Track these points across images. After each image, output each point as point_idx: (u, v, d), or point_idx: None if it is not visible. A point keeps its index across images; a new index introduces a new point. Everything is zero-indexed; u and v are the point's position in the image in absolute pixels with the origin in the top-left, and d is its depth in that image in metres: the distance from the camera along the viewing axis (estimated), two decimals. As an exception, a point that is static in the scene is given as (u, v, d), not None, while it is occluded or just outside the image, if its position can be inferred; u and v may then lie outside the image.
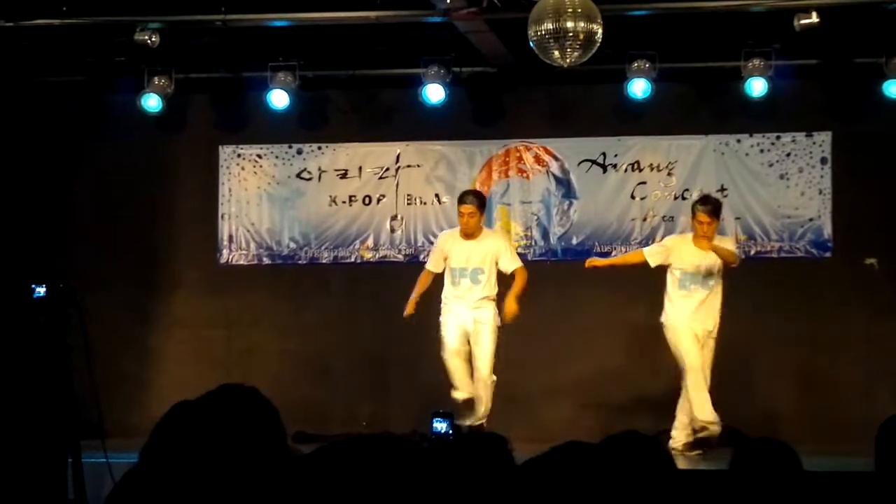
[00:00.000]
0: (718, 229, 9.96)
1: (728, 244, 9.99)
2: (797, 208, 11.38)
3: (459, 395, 10.13)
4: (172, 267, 12.00)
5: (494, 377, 10.19)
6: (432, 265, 10.37)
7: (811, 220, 11.35)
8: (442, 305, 10.23)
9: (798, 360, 11.21)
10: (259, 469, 3.19)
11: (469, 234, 10.21)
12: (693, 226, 9.94)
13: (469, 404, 10.07)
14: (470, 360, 10.17)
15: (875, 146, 11.26)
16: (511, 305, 10.08)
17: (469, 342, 10.18)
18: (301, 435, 9.93)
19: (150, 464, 3.64)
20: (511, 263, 10.21)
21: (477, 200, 10.26)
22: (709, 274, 9.87)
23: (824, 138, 11.35)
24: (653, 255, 10.02)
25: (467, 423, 9.96)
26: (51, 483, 6.84)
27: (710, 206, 9.87)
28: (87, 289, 11.40)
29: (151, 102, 11.41)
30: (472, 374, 10.16)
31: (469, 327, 10.17)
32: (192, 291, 11.97)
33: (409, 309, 10.23)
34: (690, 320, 9.83)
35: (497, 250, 10.22)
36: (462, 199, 10.29)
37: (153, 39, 10.05)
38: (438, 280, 10.31)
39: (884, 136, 11.23)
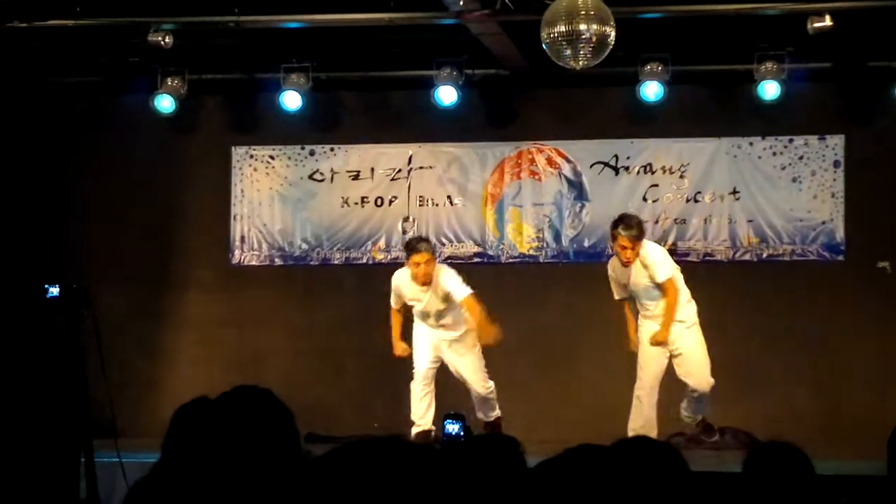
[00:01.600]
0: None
1: (659, 275, 9.82)
2: (809, 211, 11.36)
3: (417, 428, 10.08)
4: (184, 267, 12.03)
5: (491, 383, 10.19)
6: (394, 304, 10.19)
7: (823, 223, 11.33)
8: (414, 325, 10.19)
9: (810, 363, 11.20)
10: (274, 470, 3.20)
11: (425, 283, 9.93)
12: (614, 249, 9.94)
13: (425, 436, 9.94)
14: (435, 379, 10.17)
15: (888, 149, 11.25)
16: (483, 335, 9.84)
17: (441, 359, 10.15)
18: (313, 436, 9.91)
19: (169, 462, 3.66)
20: (459, 294, 9.83)
21: (430, 246, 10.11)
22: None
23: (837, 141, 11.34)
24: (616, 293, 10.05)
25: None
26: (63, 482, 6.87)
27: (634, 229, 9.80)
28: (99, 289, 11.47)
29: (164, 103, 11.43)
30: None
31: (444, 350, 10.12)
32: (204, 292, 11.99)
33: (398, 351, 10.16)
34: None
35: (446, 288, 9.89)
36: (415, 248, 9.92)
37: (167, 40, 10.07)
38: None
39: (897, 139, 11.22)
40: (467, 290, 9.79)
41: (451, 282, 9.83)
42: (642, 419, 9.88)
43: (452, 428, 5.24)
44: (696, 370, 9.86)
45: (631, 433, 9.43)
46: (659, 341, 9.76)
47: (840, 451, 9.28)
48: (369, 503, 2.17)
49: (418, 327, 10.18)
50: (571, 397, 11.40)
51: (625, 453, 3.57)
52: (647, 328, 9.95)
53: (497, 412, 10.19)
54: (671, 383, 10.06)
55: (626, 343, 10.06)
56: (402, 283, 10.05)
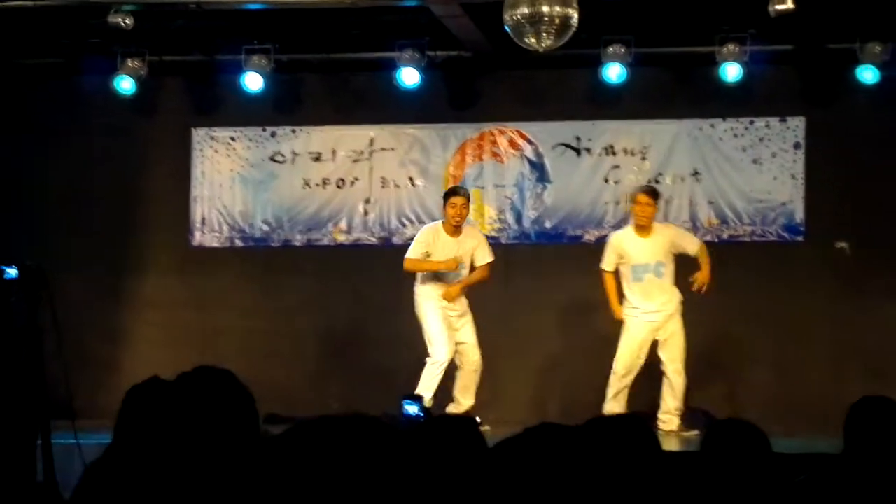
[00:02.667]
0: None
1: (692, 243, 10.18)
2: (770, 192, 11.41)
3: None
4: (144, 249, 11.97)
5: None
6: (418, 255, 10.23)
7: (784, 204, 11.39)
8: (425, 298, 10.20)
9: (769, 342, 11.26)
10: (233, 450, 3.19)
11: (456, 228, 10.16)
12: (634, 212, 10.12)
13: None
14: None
15: (848, 131, 11.31)
16: (455, 289, 10.11)
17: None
18: (273, 417, 9.88)
19: (124, 443, 3.64)
20: (485, 258, 10.26)
21: (468, 194, 10.38)
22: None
23: (798, 123, 11.39)
24: (610, 264, 10.14)
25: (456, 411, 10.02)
26: (20, 464, 6.82)
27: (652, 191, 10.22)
28: (58, 270, 11.38)
29: (125, 84, 11.36)
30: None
31: (453, 320, 10.19)
32: (164, 273, 11.94)
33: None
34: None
35: (476, 246, 10.25)
36: (455, 191, 10.31)
37: (127, 21, 9.98)
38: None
39: (857, 121, 11.28)
40: (491, 258, 10.26)
41: (483, 242, 10.30)
42: (619, 406, 9.96)
43: (411, 409, 5.23)
44: (680, 356, 10.00)
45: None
46: (703, 281, 9.99)
47: (798, 429, 9.35)
48: (329, 481, 2.16)
49: (433, 306, 10.14)
50: (533, 377, 11.43)
51: (588, 432, 3.57)
52: (636, 319, 10.00)
53: (474, 399, 10.23)
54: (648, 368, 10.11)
55: (613, 312, 10.10)
56: (432, 231, 10.25)
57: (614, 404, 9.99)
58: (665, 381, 10.10)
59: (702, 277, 10.06)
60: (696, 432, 9.62)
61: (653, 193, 10.21)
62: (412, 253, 10.21)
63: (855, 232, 11.26)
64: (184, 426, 3.23)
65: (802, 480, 4.08)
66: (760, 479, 3.72)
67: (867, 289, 11.19)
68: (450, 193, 10.33)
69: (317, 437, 2.21)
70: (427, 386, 9.99)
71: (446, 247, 10.14)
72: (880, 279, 11.16)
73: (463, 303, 10.25)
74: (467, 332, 10.23)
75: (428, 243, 10.19)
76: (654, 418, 9.93)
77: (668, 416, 10.06)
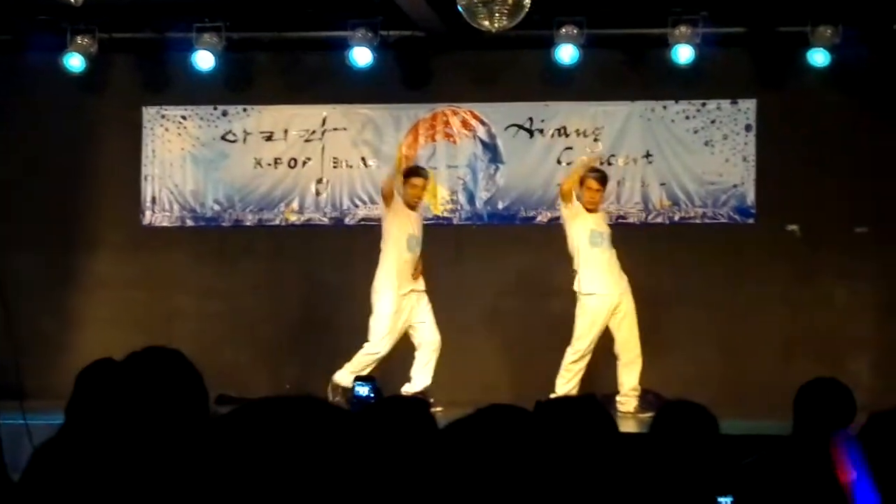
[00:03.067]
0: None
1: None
2: (721, 175, 11.46)
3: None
4: (95, 228, 11.88)
5: None
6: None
7: (735, 186, 11.44)
8: (384, 287, 10.21)
9: (719, 324, 11.33)
10: (181, 430, 3.17)
11: (414, 206, 10.32)
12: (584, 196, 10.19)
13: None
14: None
15: (798, 114, 11.37)
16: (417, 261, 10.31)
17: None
18: (224, 398, 9.84)
19: (74, 423, 3.62)
20: None
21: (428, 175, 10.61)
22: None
23: (749, 105, 11.43)
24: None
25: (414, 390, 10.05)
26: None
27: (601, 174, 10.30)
28: (7, 249, 11.33)
29: (74, 62, 11.25)
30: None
31: (414, 300, 10.24)
32: (115, 253, 11.86)
33: None
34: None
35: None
36: (418, 172, 10.46)
37: (76, -2, 9.88)
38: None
39: (807, 103, 11.34)
40: None
41: None
42: (570, 386, 9.99)
43: (363, 390, 5.24)
44: (635, 337, 10.12)
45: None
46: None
47: (748, 411, 9.41)
48: (276, 461, 2.15)
49: (390, 298, 10.15)
50: (486, 358, 11.44)
51: (542, 413, 3.57)
52: (594, 300, 10.04)
53: (430, 379, 10.25)
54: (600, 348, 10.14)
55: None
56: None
57: (568, 389, 10.02)
58: (621, 363, 10.15)
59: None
60: (652, 414, 9.66)
61: (603, 181, 10.25)
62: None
63: (805, 214, 11.33)
64: (132, 407, 3.21)
65: (751, 462, 4.10)
66: (708, 460, 3.74)
67: (817, 271, 11.28)
68: (412, 173, 10.41)
69: (260, 418, 2.19)
70: (354, 368, 10.07)
71: (409, 218, 10.25)
72: (830, 261, 11.25)
73: (421, 283, 10.29)
74: (426, 311, 10.27)
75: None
76: (612, 400, 9.98)
77: (626, 397, 10.11)
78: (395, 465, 3.23)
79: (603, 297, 10.07)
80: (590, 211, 10.16)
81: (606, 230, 10.20)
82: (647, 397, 10.08)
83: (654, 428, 4.03)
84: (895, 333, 11.08)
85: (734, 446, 4.10)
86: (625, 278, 10.16)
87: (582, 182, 10.24)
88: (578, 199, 10.24)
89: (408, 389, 10.01)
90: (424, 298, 10.30)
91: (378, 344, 10.14)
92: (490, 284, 11.49)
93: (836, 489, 3.91)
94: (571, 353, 10.10)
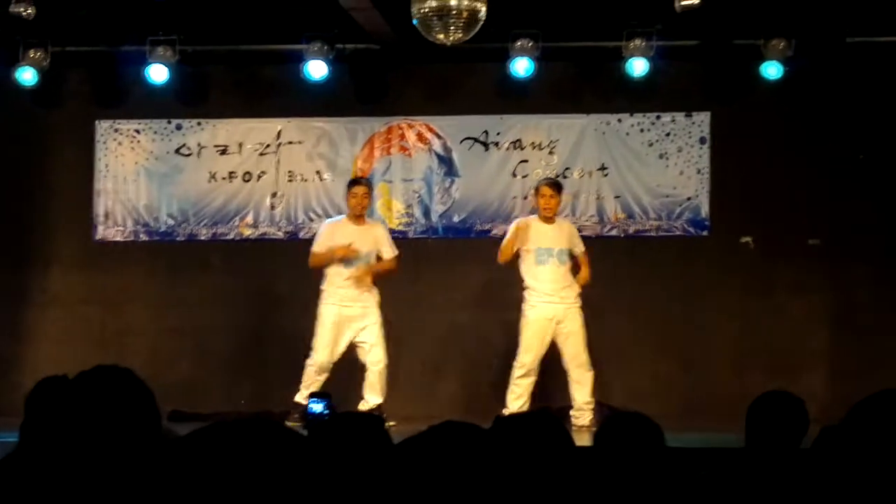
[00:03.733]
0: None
1: (580, 246, 10.30)
2: (675, 187, 11.51)
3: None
4: (47, 243, 11.78)
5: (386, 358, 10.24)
6: (318, 249, 10.32)
7: (689, 199, 11.49)
8: (326, 302, 10.20)
9: (674, 337, 11.36)
10: (132, 451, 3.14)
11: (359, 218, 10.27)
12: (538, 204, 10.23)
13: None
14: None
15: (752, 127, 11.43)
16: (362, 270, 10.13)
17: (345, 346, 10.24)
18: (177, 413, 9.79)
19: (28, 442, 3.59)
20: (391, 251, 10.34)
21: (369, 184, 10.52)
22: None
23: (703, 118, 11.49)
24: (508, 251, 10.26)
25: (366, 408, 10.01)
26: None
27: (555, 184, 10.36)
28: (-42, 265, 11.21)
29: (26, 76, 11.18)
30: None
31: (350, 327, 10.18)
32: (67, 268, 11.76)
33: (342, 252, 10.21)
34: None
35: (379, 237, 10.34)
36: (356, 181, 10.49)
37: (29, 11, 9.80)
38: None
39: (761, 116, 11.41)
40: (396, 251, 10.33)
41: (386, 234, 10.42)
42: (521, 401, 10.01)
43: (317, 406, 5.22)
44: (584, 351, 10.07)
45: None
46: (585, 278, 10.16)
47: (703, 424, 9.45)
48: (229, 486, 2.13)
49: (330, 312, 10.15)
50: (442, 373, 11.42)
51: (498, 429, 3.56)
52: (538, 309, 10.04)
53: (382, 397, 10.19)
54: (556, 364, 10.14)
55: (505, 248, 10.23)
56: (334, 224, 10.40)
57: (519, 405, 10.02)
58: (571, 378, 10.15)
59: (584, 275, 10.16)
60: None
61: (556, 186, 10.33)
62: (315, 247, 10.31)
63: (759, 227, 11.39)
64: (81, 427, 3.18)
65: (704, 475, 4.11)
66: (654, 471, 3.73)
67: (771, 284, 11.34)
68: (351, 183, 10.51)
69: (218, 441, 2.18)
70: (305, 384, 10.15)
71: (349, 237, 10.16)
72: (784, 274, 11.31)
73: (369, 300, 10.20)
74: (369, 332, 10.19)
75: (330, 235, 10.24)
76: (566, 415, 9.98)
77: (580, 411, 10.11)
78: (349, 482, 3.21)
79: (544, 310, 10.07)
80: (547, 220, 10.13)
81: (558, 246, 10.16)
82: (603, 410, 10.08)
83: (597, 440, 4.03)
84: (848, 345, 11.15)
85: (689, 459, 4.11)
86: (575, 291, 10.12)
87: (536, 191, 10.29)
88: (534, 211, 10.27)
89: (361, 407, 9.98)
90: (373, 317, 10.18)
91: (314, 355, 10.18)
92: (446, 298, 11.48)
93: (786, 502, 3.93)
94: (518, 368, 10.12)
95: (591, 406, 10.12)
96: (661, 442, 3.87)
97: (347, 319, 10.18)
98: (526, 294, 10.15)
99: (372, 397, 10.18)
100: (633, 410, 4.23)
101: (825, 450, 4.02)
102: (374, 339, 10.18)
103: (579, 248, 10.30)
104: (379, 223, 10.77)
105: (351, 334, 10.20)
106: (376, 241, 10.29)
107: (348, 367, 10.26)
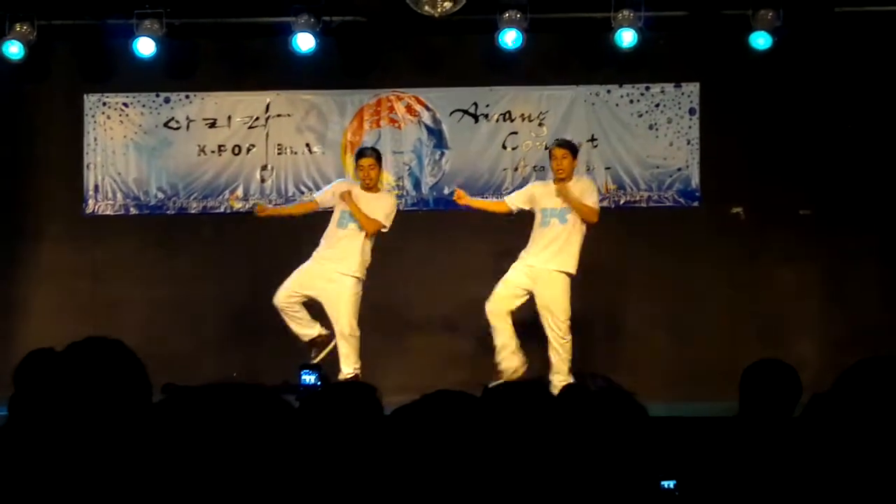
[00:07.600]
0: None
1: (588, 199, 10.02)
2: (666, 158, 11.50)
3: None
4: (37, 218, 11.76)
5: (358, 330, 10.18)
6: (317, 196, 10.52)
7: (679, 169, 11.49)
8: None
9: (666, 307, 11.37)
10: (123, 421, 3.13)
11: (370, 189, 10.25)
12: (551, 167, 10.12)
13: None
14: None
15: (741, 97, 11.43)
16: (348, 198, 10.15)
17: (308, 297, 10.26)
18: (170, 387, 9.75)
19: (17, 416, 3.58)
20: (378, 216, 10.25)
21: (376, 154, 10.41)
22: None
23: (692, 89, 11.48)
24: (514, 199, 10.19)
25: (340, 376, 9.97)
26: None
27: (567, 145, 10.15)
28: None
29: (13, 49, 11.12)
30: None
31: (320, 286, 10.18)
32: (58, 242, 11.75)
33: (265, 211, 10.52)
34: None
35: (382, 205, 10.28)
36: (363, 153, 10.39)
37: (14, -16, 9.78)
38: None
39: (750, 86, 11.40)
40: (385, 226, 10.20)
41: (388, 205, 10.27)
42: (516, 358, 9.96)
43: (309, 378, 5.20)
44: (563, 318, 9.96)
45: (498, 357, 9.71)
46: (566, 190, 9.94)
47: (695, 393, 9.48)
48: (216, 447, 2.12)
49: (308, 262, 10.24)
50: (431, 344, 11.43)
51: (489, 399, 3.56)
52: (517, 265, 10.01)
53: (356, 366, 10.15)
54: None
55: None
56: (345, 182, 10.51)
57: (506, 355, 9.96)
58: (550, 346, 10.07)
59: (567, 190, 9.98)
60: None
61: (567, 146, 10.15)
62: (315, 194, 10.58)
63: (749, 197, 11.40)
64: (72, 399, 3.17)
65: (698, 442, 4.11)
66: (640, 443, 3.71)
67: (762, 253, 11.35)
68: (358, 155, 10.46)
69: (206, 404, 2.17)
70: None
71: (359, 200, 10.16)
72: (775, 244, 11.33)
73: (349, 265, 10.15)
74: (333, 299, 10.15)
75: (332, 190, 10.34)
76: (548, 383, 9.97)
77: (560, 377, 10.07)
78: (342, 451, 3.21)
79: (524, 264, 10.02)
80: (561, 180, 10.01)
81: (559, 206, 9.99)
82: (597, 381, 10.08)
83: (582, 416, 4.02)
84: (840, 314, 11.18)
85: (681, 428, 4.11)
86: (569, 262, 9.97)
87: (550, 154, 10.18)
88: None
89: (340, 377, 9.97)
90: (337, 285, 10.13)
91: (277, 294, 10.23)
92: (436, 269, 11.48)
93: (780, 470, 3.93)
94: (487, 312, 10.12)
95: (571, 373, 10.05)
96: (644, 415, 3.85)
97: (315, 271, 10.18)
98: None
99: (345, 367, 10.13)
100: (623, 383, 4.22)
101: (815, 417, 4.03)
102: (336, 306, 10.14)
103: (589, 201, 10.00)
104: (387, 195, 10.61)
105: (315, 284, 10.18)
106: (375, 212, 10.21)
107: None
